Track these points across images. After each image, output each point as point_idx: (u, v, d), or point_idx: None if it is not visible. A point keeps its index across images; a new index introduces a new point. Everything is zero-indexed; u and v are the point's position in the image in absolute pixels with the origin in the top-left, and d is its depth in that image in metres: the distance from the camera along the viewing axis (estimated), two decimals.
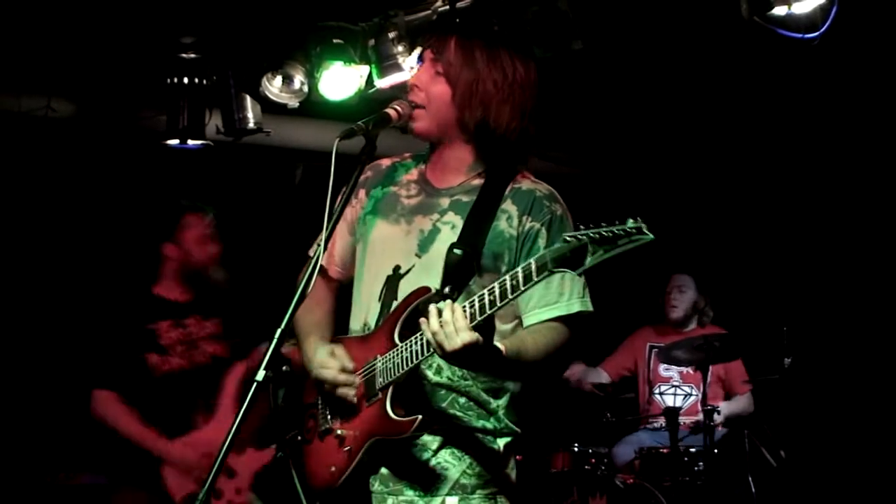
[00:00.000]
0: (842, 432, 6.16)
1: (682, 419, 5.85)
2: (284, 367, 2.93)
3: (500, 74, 3.12)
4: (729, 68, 5.54)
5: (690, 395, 6.19)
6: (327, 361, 3.09)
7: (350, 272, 3.26)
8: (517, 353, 2.93)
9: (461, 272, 2.97)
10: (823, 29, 4.15)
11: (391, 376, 2.95)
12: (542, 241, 3.05)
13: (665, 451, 5.62)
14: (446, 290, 2.93)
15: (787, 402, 5.39)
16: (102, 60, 5.58)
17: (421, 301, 2.94)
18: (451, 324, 2.74)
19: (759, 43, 4.41)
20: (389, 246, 3.14)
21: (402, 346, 2.93)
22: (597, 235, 2.59)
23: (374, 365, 3.00)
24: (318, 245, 2.90)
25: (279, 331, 2.81)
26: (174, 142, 5.73)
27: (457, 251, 2.99)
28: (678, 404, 6.09)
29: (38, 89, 5.78)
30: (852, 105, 5.85)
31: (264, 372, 2.80)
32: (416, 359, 2.90)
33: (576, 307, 3.06)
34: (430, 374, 3.03)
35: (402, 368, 2.92)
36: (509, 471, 3.12)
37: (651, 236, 2.52)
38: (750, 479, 4.84)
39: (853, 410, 6.21)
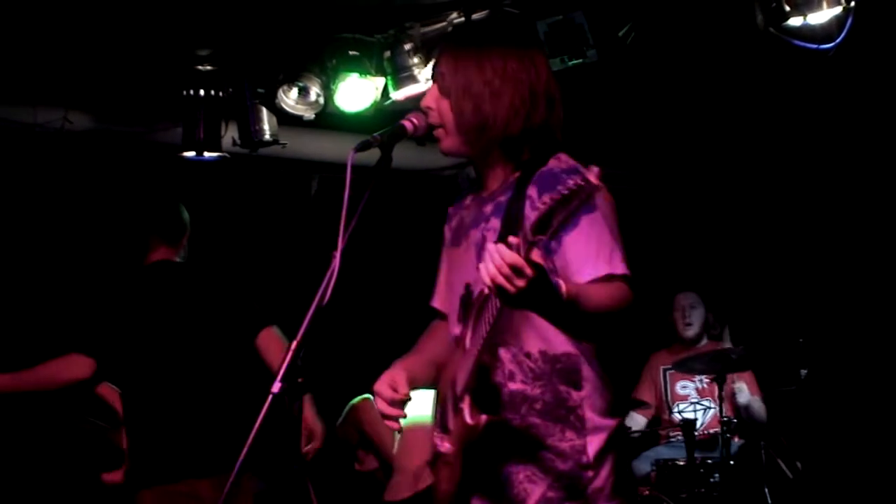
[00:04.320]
0: (858, 444, 6.14)
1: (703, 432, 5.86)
2: (300, 380, 2.92)
3: (490, 72, 3.07)
4: (742, 79, 5.53)
5: (710, 408, 6.17)
6: (380, 385, 3.10)
7: None
8: (577, 295, 2.77)
9: None
10: (839, 40, 4.15)
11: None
12: (567, 223, 2.95)
13: (681, 463, 5.61)
14: None
15: (803, 413, 5.39)
16: (119, 73, 5.59)
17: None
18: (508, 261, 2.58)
19: (774, 54, 4.39)
20: (458, 266, 3.13)
21: None
22: None
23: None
24: (334, 255, 2.90)
25: (295, 342, 2.80)
26: (190, 154, 5.74)
27: None
28: (698, 419, 6.09)
29: (55, 102, 5.79)
30: (869, 116, 5.84)
31: (280, 384, 2.80)
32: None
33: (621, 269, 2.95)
34: (504, 381, 3.00)
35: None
36: (604, 473, 3.01)
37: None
38: (766, 490, 4.82)
39: (869, 422, 6.19)
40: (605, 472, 2.99)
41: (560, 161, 3.08)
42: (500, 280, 2.55)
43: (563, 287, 2.73)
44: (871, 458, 6.12)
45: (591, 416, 3.02)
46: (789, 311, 6.55)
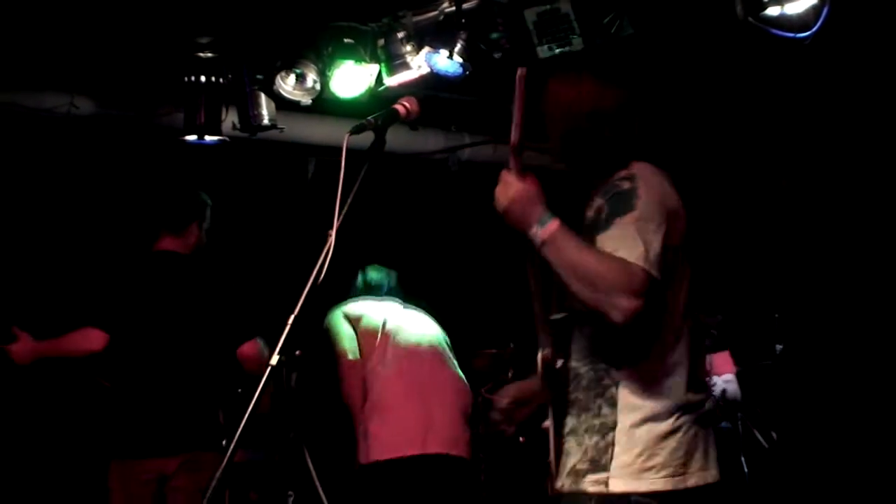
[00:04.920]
0: (831, 414, 6.17)
1: None
2: (297, 352, 2.95)
3: (550, 106, 3.24)
4: (722, 66, 5.54)
5: None
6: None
7: None
8: (555, 238, 2.89)
9: None
10: (815, 29, 4.15)
11: None
12: (602, 215, 2.97)
13: None
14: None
15: (778, 386, 5.41)
16: (123, 59, 5.59)
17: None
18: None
19: (753, 42, 4.40)
20: None
21: None
22: None
23: None
24: (330, 234, 2.91)
25: (292, 317, 2.82)
26: (192, 138, 5.73)
27: None
28: None
29: (62, 87, 5.79)
30: (841, 101, 5.85)
31: (278, 357, 2.82)
32: None
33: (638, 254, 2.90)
34: (568, 357, 3.09)
35: None
36: (635, 452, 3.00)
37: None
38: (742, 459, 4.86)
39: (841, 394, 6.22)
40: (636, 450, 2.98)
41: (628, 171, 3.06)
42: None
43: (551, 224, 2.88)
44: (843, 428, 6.16)
45: (627, 395, 3.01)
46: (765, 287, 6.56)
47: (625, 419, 3.01)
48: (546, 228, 2.90)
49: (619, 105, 3.21)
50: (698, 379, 3.06)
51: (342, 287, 5.24)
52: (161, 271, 4.88)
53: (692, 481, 2.98)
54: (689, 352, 3.05)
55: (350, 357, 4.99)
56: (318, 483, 4.79)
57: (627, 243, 2.87)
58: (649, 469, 2.98)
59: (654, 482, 2.97)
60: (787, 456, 4.71)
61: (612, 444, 3.01)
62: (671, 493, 2.96)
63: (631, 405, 3.00)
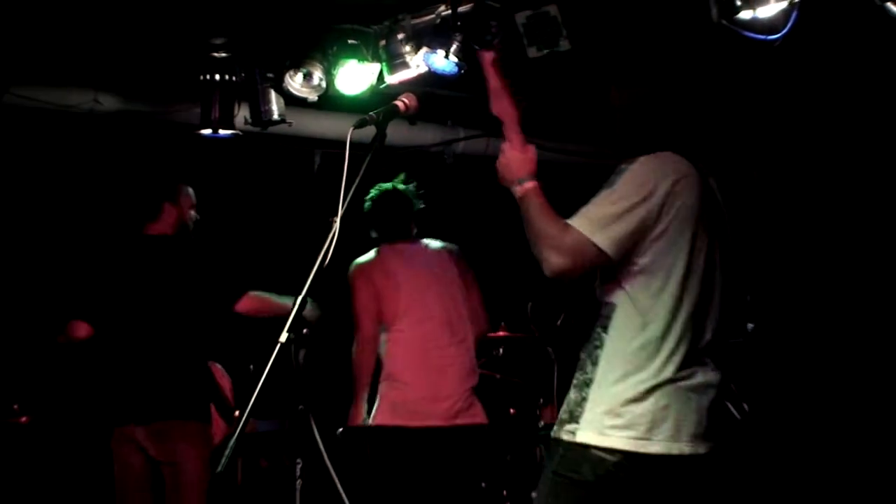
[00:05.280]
0: (799, 388, 6.18)
1: None
2: (304, 330, 2.94)
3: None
4: (697, 65, 5.51)
5: None
6: None
7: None
8: (528, 197, 3.08)
9: None
10: (785, 31, 4.13)
11: None
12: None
13: None
14: None
15: (750, 362, 5.41)
16: (143, 58, 5.57)
17: None
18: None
19: (726, 43, 4.38)
20: None
21: None
22: None
23: None
24: (334, 221, 2.91)
25: (300, 297, 2.81)
26: (207, 132, 5.73)
27: None
28: None
29: (86, 84, 5.78)
30: (809, 97, 5.85)
31: (287, 334, 2.81)
32: None
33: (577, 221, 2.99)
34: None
35: None
36: (601, 410, 3.02)
37: None
38: None
39: (808, 369, 6.23)
40: (602, 408, 3.00)
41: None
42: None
43: (528, 184, 3.08)
44: (810, 400, 6.17)
45: (607, 358, 3.03)
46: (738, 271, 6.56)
47: (600, 378, 3.03)
48: (522, 187, 3.07)
49: (634, 101, 3.30)
50: (692, 358, 3.03)
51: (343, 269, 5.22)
52: (138, 252, 4.86)
53: (655, 448, 2.97)
54: (683, 331, 3.02)
55: (368, 319, 4.96)
56: (323, 451, 4.78)
57: (588, 212, 2.97)
58: (612, 427, 2.98)
59: (614, 440, 2.97)
60: (758, 426, 4.72)
61: (586, 399, 3.03)
62: (632, 454, 2.96)
63: (608, 367, 3.02)
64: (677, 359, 3.00)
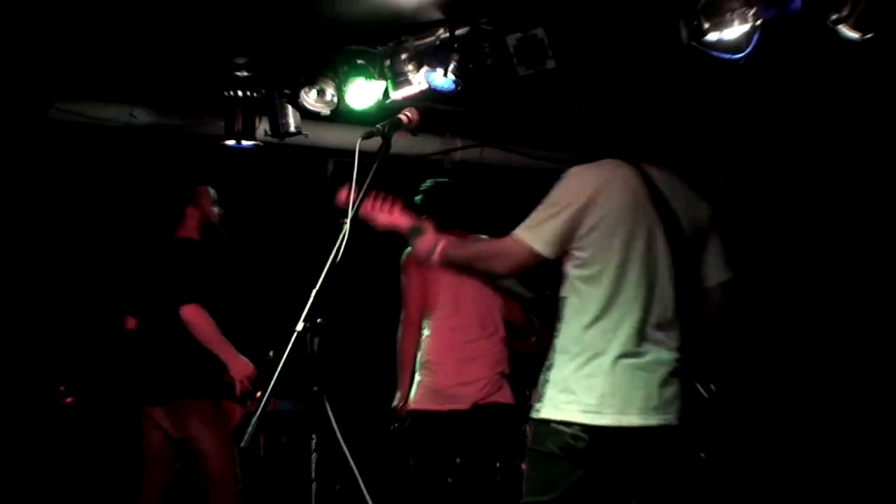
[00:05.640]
0: (757, 369, 6.20)
1: None
2: (318, 320, 2.95)
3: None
4: (669, 79, 5.51)
5: None
6: None
7: None
8: (445, 249, 3.20)
9: None
10: (748, 51, 4.14)
11: None
12: None
13: None
14: None
15: (715, 347, 5.43)
16: (173, 77, 5.58)
17: None
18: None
19: (695, 63, 4.39)
20: None
21: None
22: None
23: None
24: (345, 222, 2.93)
25: (314, 291, 2.83)
26: (231, 142, 5.74)
27: None
28: None
29: (123, 100, 5.79)
30: (769, 107, 5.85)
31: (303, 324, 2.83)
32: None
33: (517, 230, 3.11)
34: None
35: None
36: (552, 392, 3.08)
37: None
38: None
39: (765, 353, 6.25)
40: (559, 387, 3.04)
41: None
42: None
43: (437, 248, 3.20)
44: (767, 377, 6.19)
45: (560, 343, 3.08)
46: None
47: (557, 362, 3.08)
48: (437, 254, 3.20)
49: (590, 114, 3.31)
50: (640, 338, 3.03)
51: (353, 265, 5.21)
52: (164, 255, 4.81)
53: (605, 420, 2.98)
54: (626, 313, 3.03)
55: (414, 305, 4.84)
56: (336, 428, 4.78)
57: (527, 219, 3.09)
58: (566, 402, 3.02)
59: (567, 413, 3.01)
60: (723, 403, 4.74)
61: (548, 381, 3.09)
62: (586, 426, 2.98)
63: (562, 351, 3.07)
64: (623, 339, 3.02)
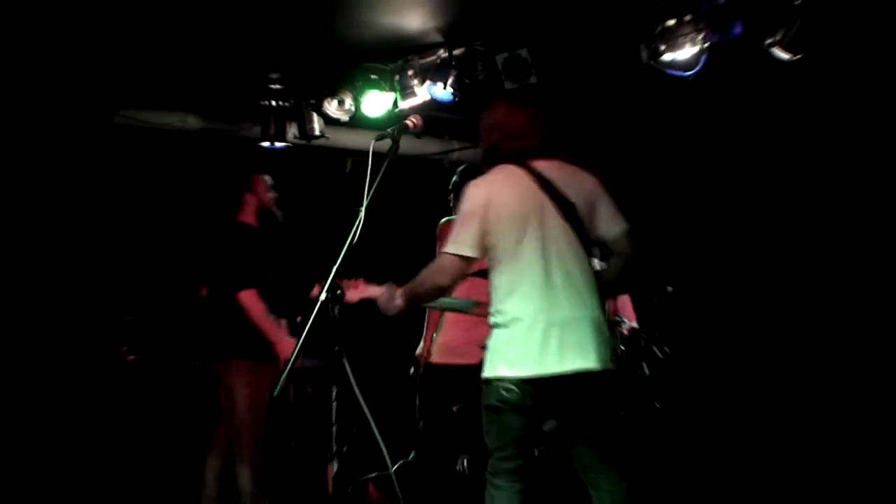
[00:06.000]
0: (707, 334, 6.19)
1: None
2: (339, 291, 2.97)
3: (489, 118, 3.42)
4: (629, 90, 5.51)
5: None
6: None
7: None
8: (405, 294, 3.21)
9: None
10: (698, 69, 4.14)
11: None
12: None
13: None
14: None
15: (670, 316, 5.42)
16: (218, 89, 5.59)
17: None
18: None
19: (654, 78, 4.39)
20: None
21: None
22: None
23: None
24: (360, 210, 2.94)
25: (335, 267, 2.84)
26: (266, 144, 5.74)
27: None
28: None
29: (176, 108, 5.78)
30: (713, 119, 5.84)
31: (326, 294, 2.84)
32: None
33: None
34: None
35: None
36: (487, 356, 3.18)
37: None
38: (644, 365, 4.88)
39: (712, 323, 6.24)
40: (492, 351, 3.16)
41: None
42: None
43: (398, 302, 3.21)
44: (717, 341, 6.17)
45: (492, 318, 3.17)
46: (659, 260, 6.40)
47: (491, 333, 3.18)
48: (399, 305, 3.21)
49: (485, 125, 3.40)
50: (546, 302, 3.09)
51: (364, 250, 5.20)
52: (223, 238, 4.73)
53: (526, 373, 3.06)
54: (532, 284, 3.11)
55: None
56: (353, 382, 4.79)
57: (450, 237, 3.19)
58: (499, 363, 3.12)
59: (500, 371, 3.11)
60: (677, 364, 4.75)
61: (486, 348, 3.19)
62: (513, 379, 3.07)
63: (493, 324, 3.16)
64: (534, 303, 3.08)
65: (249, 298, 4.52)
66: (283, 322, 5.03)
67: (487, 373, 3.11)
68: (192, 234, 5.03)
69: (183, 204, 6.16)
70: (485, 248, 3.15)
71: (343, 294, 3.12)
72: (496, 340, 3.11)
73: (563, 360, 3.03)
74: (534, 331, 3.05)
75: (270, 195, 4.90)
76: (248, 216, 4.78)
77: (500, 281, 3.14)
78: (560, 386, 3.04)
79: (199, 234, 4.96)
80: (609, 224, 3.22)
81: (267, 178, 4.90)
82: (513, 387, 3.03)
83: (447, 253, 3.14)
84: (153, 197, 6.20)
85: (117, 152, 5.93)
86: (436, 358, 4.77)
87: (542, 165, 3.21)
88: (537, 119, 3.32)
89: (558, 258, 3.11)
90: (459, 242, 3.13)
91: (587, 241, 3.18)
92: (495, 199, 3.14)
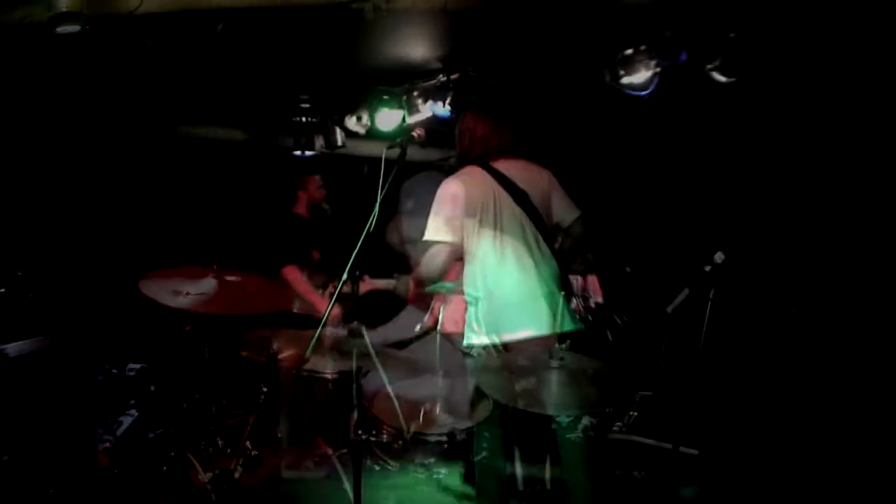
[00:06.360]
0: (653, 303, 6.02)
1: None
2: (357, 273, 3.01)
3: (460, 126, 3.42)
4: (594, 112, 5.48)
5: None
6: None
7: None
8: (416, 281, 3.33)
9: None
10: (651, 89, 4.18)
11: None
12: None
13: None
14: None
15: (630, 291, 5.34)
16: (259, 107, 5.62)
17: None
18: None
19: (613, 96, 4.42)
20: None
21: None
22: None
23: None
24: (375, 206, 2.99)
25: (353, 255, 2.89)
26: (298, 152, 5.78)
27: None
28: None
29: (224, 124, 5.82)
30: (668, 130, 5.79)
31: (347, 275, 2.89)
32: None
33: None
34: None
35: None
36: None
37: None
38: (608, 331, 4.86)
39: (664, 294, 6.10)
40: (466, 328, 3.26)
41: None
42: None
43: (403, 284, 3.37)
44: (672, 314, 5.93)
45: (466, 298, 3.24)
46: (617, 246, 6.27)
47: (469, 309, 3.26)
48: (408, 288, 3.42)
49: (457, 132, 3.45)
50: (509, 280, 3.13)
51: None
52: (282, 225, 4.86)
53: (467, 341, 3.18)
54: (497, 264, 3.15)
55: None
56: (371, 349, 4.80)
57: (427, 231, 3.20)
58: (472, 333, 3.20)
59: (472, 340, 3.20)
60: (633, 330, 4.77)
61: (466, 321, 3.29)
62: (481, 346, 3.14)
63: (467, 302, 3.23)
64: (495, 283, 3.14)
65: (291, 273, 4.59)
66: (327, 292, 5.03)
67: (466, 341, 3.23)
68: (256, 222, 5.06)
69: (239, 200, 6.15)
70: (458, 233, 3.17)
71: (361, 277, 3.16)
72: (470, 315, 3.22)
73: (519, 329, 3.11)
74: (497, 305, 3.14)
75: (320, 192, 5.02)
76: (301, 208, 4.91)
77: (469, 266, 3.22)
78: (517, 349, 3.11)
79: (261, 223, 5.00)
80: (564, 211, 3.28)
81: (318, 177, 5.00)
82: (483, 352, 3.13)
83: (434, 241, 3.19)
84: (208, 195, 6.19)
85: (180, 162, 5.94)
86: (446, 327, 4.83)
87: (502, 165, 3.26)
88: (499, 127, 3.35)
89: (511, 239, 3.17)
90: (441, 230, 3.18)
91: (542, 224, 3.21)
92: (462, 195, 3.20)
